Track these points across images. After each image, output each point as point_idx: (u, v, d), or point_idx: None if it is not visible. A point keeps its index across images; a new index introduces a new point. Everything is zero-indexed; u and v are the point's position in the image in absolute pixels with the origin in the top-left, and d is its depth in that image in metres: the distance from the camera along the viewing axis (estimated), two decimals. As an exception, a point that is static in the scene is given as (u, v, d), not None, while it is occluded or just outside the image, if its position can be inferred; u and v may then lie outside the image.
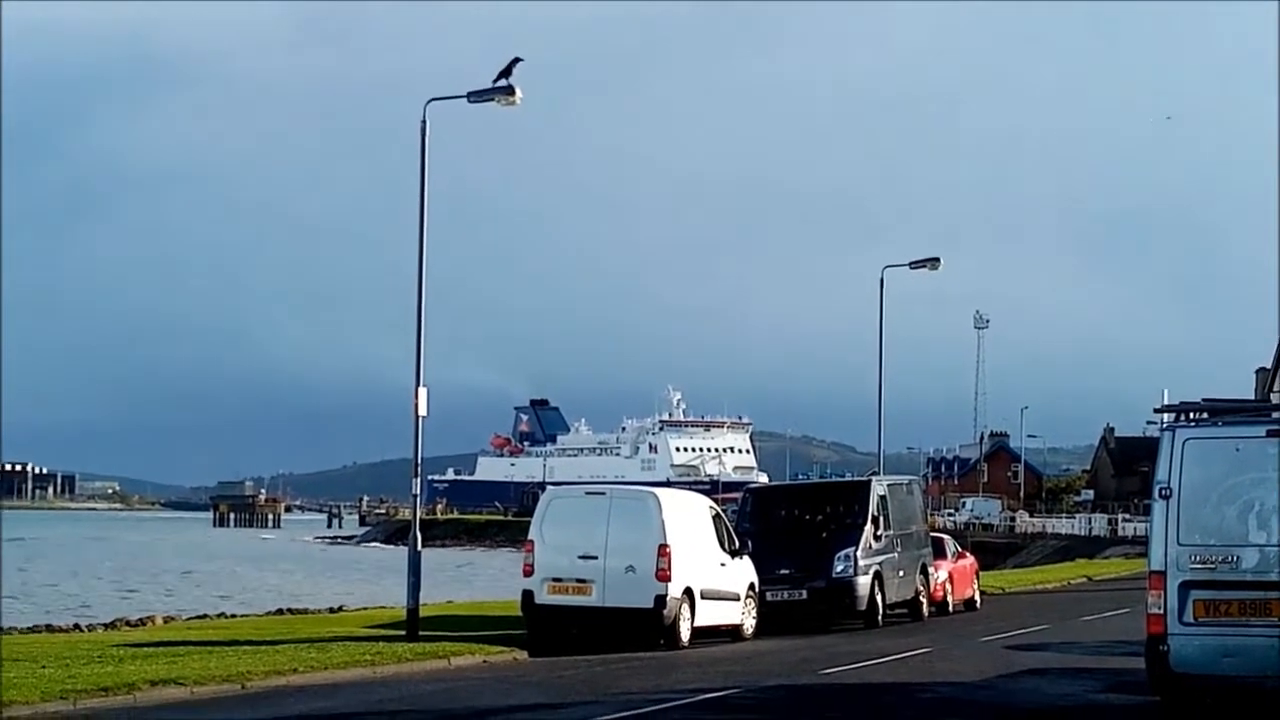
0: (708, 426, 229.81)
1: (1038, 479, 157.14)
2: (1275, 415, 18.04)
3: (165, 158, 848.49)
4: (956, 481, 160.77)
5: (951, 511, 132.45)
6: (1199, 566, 17.35)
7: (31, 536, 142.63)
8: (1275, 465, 17.08)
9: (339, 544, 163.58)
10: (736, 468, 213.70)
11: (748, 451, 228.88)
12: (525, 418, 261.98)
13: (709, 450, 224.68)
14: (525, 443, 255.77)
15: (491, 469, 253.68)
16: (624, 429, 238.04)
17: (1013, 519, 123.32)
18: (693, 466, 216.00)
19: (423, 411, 29.82)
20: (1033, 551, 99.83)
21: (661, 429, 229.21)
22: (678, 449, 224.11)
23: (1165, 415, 18.42)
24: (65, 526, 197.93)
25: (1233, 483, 17.35)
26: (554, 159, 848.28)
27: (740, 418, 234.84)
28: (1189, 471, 17.44)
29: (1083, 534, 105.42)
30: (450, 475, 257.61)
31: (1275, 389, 64.73)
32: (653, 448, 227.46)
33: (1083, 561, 78.50)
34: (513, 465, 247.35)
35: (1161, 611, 17.41)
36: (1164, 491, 17.47)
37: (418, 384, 29.73)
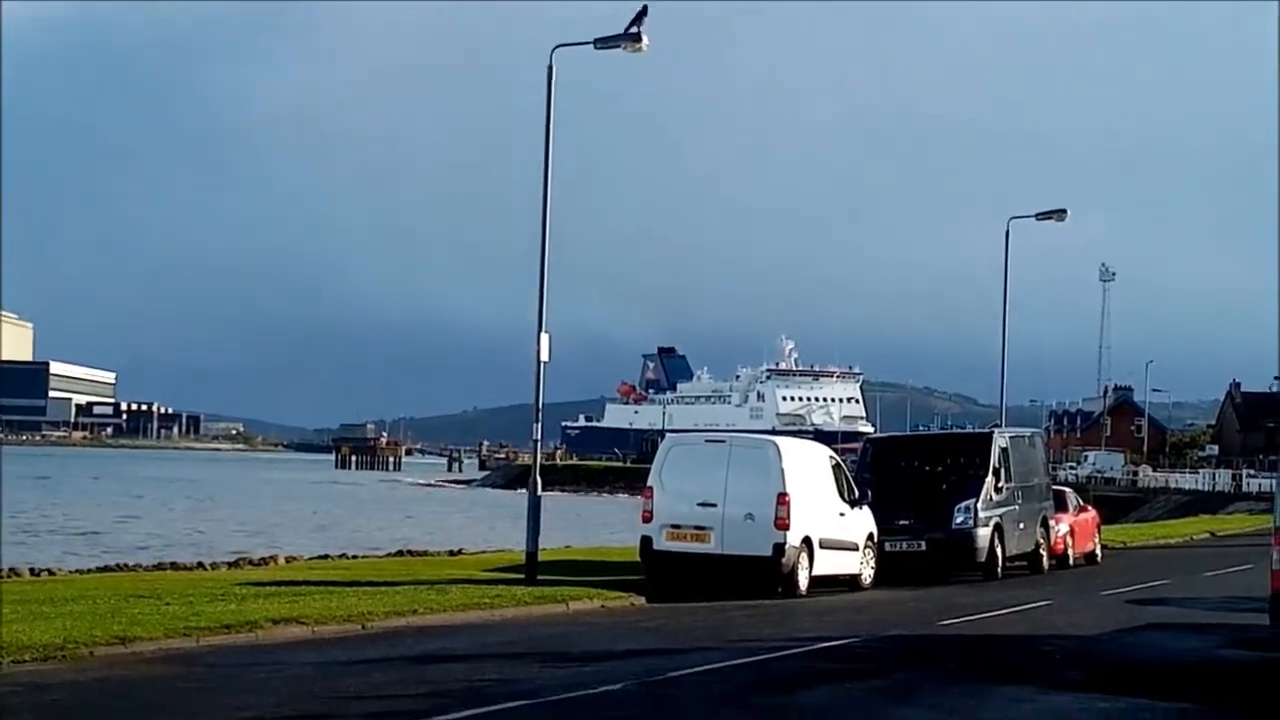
0: (816, 376, 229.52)
1: (1161, 433, 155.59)
2: None
3: (282, 104, 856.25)
4: (1079, 435, 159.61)
5: (1073, 465, 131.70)
6: (1324, 522, 17.14)
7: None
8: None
9: (458, 487, 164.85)
10: (844, 417, 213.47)
11: (857, 401, 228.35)
12: (652, 365, 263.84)
13: (816, 399, 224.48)
14: (651, 390, 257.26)
15: (617, 416, 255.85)
16: (738, 377, 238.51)
17: (1135, 473, 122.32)
18: (798, 416, 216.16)
19: (544, 357, 29.92)
20: (1155, 506, 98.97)
21: (769, 378, 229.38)
22: (784, 398, 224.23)
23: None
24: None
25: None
26: (689, 106, 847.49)
27: (851, 368, 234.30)
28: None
29: (1206, 489, 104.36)
30: (581, 421, 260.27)
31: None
32: (760, 396, 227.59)
33: (1205, 517, 77.68)
34: (635, 413, 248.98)
35: (1286, 568, 17.22)
36: (1291, 447, 17.26)
37: (540, 329, 29.81)
